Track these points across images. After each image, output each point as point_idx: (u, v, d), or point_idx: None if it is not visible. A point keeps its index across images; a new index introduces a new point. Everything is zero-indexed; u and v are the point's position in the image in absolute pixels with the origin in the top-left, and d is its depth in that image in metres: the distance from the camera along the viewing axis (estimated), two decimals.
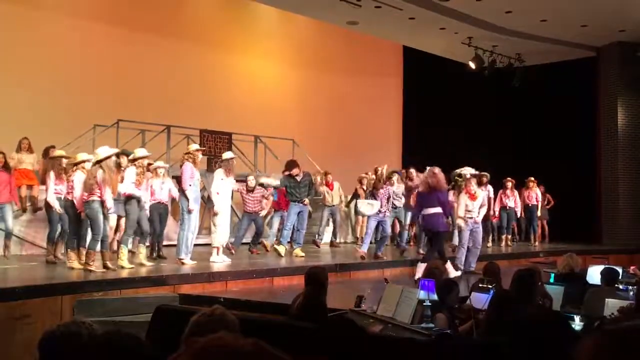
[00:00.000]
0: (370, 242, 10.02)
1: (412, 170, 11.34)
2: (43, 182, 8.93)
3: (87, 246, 7.32)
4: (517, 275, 4.54)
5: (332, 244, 12.03)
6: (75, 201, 7.56)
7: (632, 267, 7.28)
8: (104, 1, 13.47)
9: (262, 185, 9.97)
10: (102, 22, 13.08)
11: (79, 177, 7.55)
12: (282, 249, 9.46)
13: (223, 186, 8.48)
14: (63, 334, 2.22)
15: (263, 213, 10.03)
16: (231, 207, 9.22)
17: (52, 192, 8.01)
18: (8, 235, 8.16)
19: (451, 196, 11.87)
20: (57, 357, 2.20)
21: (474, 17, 12.31)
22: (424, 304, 4.40)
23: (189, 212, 8.10)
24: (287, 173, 9.72)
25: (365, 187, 11.69)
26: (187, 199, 8.08)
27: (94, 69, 12.68)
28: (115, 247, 8.50)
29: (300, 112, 15.89)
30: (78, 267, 7.36)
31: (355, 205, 12.30)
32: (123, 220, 8.21)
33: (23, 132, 9.74)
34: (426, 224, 8.46)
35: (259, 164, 13.00)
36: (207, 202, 10.31)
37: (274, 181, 10.01)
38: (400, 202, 10.53)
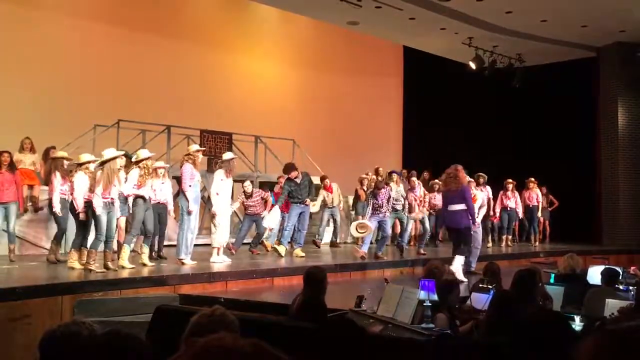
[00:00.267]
0: (371, 242, 10.03)
1: (414, 179, 11.40)
2: (45, 182, 8.93)
3: (89, 245, 7.36)
4: (518, 275, 4.54)
5: (332, 244, 12.04)
6: (74, 201, 7.59)
7: (632, 268, 7.28)
8: (105, 1, 13.48)
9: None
10: (103, 22, 13.08)
11: (79, 178, 7.57)
12: (282, 249, 9.46)
13: (223, 187, 8.48)
14: (63, 334, 2.23)
15: (265, 214, 10.03)
16: (231, 207, 9.22)
17: (58, 193, 8.01)
18: (12, 238, 8.15)
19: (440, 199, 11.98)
20: (58, 357, 2.20)
21: (474, 18, 12.31)
22: (424, 304, 4.40)
23: (189, 213, 8.10)
24: (286, 177, 9.74)
25: (365, 188, 11.70)
26: (187, 200, 8.09)
27: (94, 69, 12.69)
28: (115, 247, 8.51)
29: (301, 112, 15.89)
30: (78, 267, 7.37)
31: (356, 205, 12.33)
32: (122, 220, 8.22)
33: (24, 132, 9.74)
34: (449, 221, 8.54)
35: (259, 164, 13.00)
36: (207, 203, 10.31)
37: (276, 216, 9.72)
38: (400, 206, 10.55)
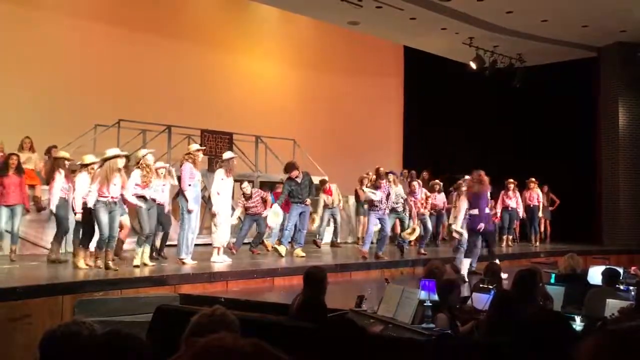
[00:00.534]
0: (371, 242, 10.02)
1: (415, 183, 11.37)
2: (46, 181, 8.94)
3: (94, 246, 7.40)
4: (518, 275, 4.54)
5: (333, 244, 12.03)
6: (73, 202, 7.60)
7: (632, 268, 7.29)
8: (105, 1, 13.48)
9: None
10: (103, 22, 13.09)
11: (82, 179, 7.58)
12: (282, 249, 9.46)
13: (223, 186, 8.48)
14: (64, 334, 2.22)
15: (265, 213, 10.03)
16: (232, 207, 9.22)
17: (58, 192, 8.01)
18: (15, 238, 8.17)
19: (443, 198, 12.01)
20: (58, 357, 2.20)
21: (475, 17, 12.31)
22: (425, 304, 4.40)
23: (189, 212, 8.10)
24: (287, 176, 9.73)
25: (365, 188, 11.70)
26: (187, 200, 8.09)
27: (95, 69, 12.69)
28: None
29: (301, 112, 15.89)
30: (84, 267, 7.41)
31: (357, 205, 12.34)
32: (125, 219, 8.23)
33: (24, 131, 9.76)
34: (472, 224, 8.78)
35: (259, 164, 13.00)
36: (207, 202, 10.31)
37: (278, 216, 9.79)
38: (401, 207, 10.57)
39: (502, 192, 12.30)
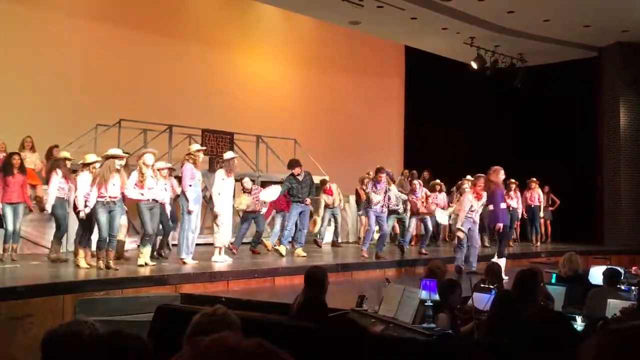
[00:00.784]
0: (371, 241, 9.99)
1: (416, 182, 11.33)
2: (46, 181, 8.95)
3: (95, 246, 7.42)
4: (519, 275, 4.54)
5: (333, 243, 12.03)
6: (76, 200, 7.61)
7: (634, 268, 7.28)
8: (106, 1, 13.48)
9: (264, 202, 10.00)
10: (105, 22, 13.09)
11: (84, 178, 7.59)
12: (283, 249, 9.47)
13: (224, 186, 8.48)
14: (65, 333, 2.23)
15: (263, 211, 10.03)
16: (233, 206, 9.22)
17: (54, 192, 8.03)
18: (16, 238, 8.19)
19: (444, 198, 12.01)
20: (60, 357, 2.20)
21: (476, 17, 12.30)
22: (426, 304, 4.40)
23: (189, 212, 8.11)
24: (289, 173, 9.74)
25: (365, 187, 11.70)
26: (187, 200, 8.10)
27: (96, 69, 12.69)
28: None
29: (302, 112, 15.89)
30: (84, 266, 7.43)
31: (358, 205, 12.33)
32: (123, 218, 8.23)
33: (26, 131, 9.77)
34: (489, 220, 9.08)
35: (260, 164, 13.00)
36: (208, 202, 10.32)
37: (274, 194, 9.95)
38: (402, 207, 10.56)
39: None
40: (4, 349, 5.35)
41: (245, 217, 10.16)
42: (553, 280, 6.36)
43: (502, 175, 9.13)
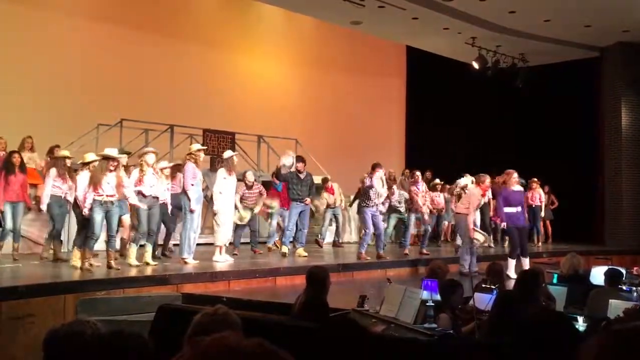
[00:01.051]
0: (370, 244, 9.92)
1: (418, 173, 11.22)
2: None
3: (84, 245, 7.37)
4: (521, 275, 4.53)
5: (335, 243, 12.03)
6: (77, 199, 7.62)
7: (635, 268, 7.28)
8: (107, 1, 13.49)
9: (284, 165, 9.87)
10: (106, 21, 13.10)
11: (83, 177, 7.59)
12: (285, 249, 9.46)
13: (226, 185, 8.49)
14: (67, 333, 2.23)
15: (257, 210, 10.04)
16: (235, 205, 9.22)
17: (49, 189, 8.01)
18: (17, 237, 8.20)
19: (442, 198, 12.00)
20: (61, 356, 2.20)
21: (477, 17, 12.30)
22: (427, 304, 4.39)
23: (191, 212, 8.12)
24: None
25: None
26: (189, 199, 8.10)
27: (97, 69, 12.70)
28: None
29: (303, 112, 15.89)
30: (77, 266, 7.40)
31: (359, 205, 12.32)
32: (126, 218, 8.23)
33: (26, 131, 9.77)
34: (507, 221, 9.12)
35: (261, 163, 13.00)
36: (209, 202, 10.33)
37: (288, 159, 9.83)
38: (403, 207, 10.52)
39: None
40: (5, 348, 5.36)
41: None
42: (554, 281, 6.36)
43: (513, 178, 9.22)
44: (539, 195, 13.01)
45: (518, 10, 11.84)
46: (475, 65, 13.90)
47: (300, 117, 15.60)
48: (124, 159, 8.50)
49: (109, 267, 7.25)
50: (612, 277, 5.73)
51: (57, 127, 11.16)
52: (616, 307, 4.48)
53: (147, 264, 7.70)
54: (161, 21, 13.91)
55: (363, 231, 10.08)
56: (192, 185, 8.17)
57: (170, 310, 4.46)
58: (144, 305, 5.99)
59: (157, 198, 7.93)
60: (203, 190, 9.23)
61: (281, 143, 13.25)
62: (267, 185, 11.52)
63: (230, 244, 9.38)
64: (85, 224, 7.71)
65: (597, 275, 6.44)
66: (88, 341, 2.16)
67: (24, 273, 7.16)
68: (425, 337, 3.98)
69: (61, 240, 8.37)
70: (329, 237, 11.96)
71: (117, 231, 7.99)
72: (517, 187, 9.30)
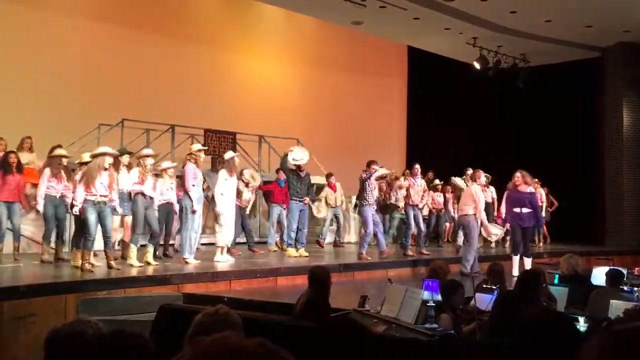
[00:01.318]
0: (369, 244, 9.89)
1: (417, 167, 11.12)
2: None
3: (81, 246, 7.36)
4: (522, 276, 4.53)
5: (335, 244, 12.04)
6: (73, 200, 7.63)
7: (636, 269, 7.28)
8: (108, 1, 13.49)
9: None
10: (107, 21, 13.10)
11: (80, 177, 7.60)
12: (292, 251, 9.44)
13: (227, 186, 8.50)
14: (68, 333, 2.23)
15: (249, 208, 10.14)
16: (236, 206, 9.22)
17: (43, 189, 7.95)
18: (17, 236, 8.20)
19: (442, 198, 11.99)
20: (62, 356, 2.20)
21: (478, 17, 12.29)
22: (428, 304, 4.39)
23: (193, 212, 8.13)
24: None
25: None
26: (191, 199, 8.12)
27: (98, 69, 12.70)
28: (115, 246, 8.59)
29: (304, 112, 15.89)
30: (77, 266, 7.40)
31: (358, 204, 12.32)
32: (129, 219, 8.24)
33: (26, 131, 9.77)
34: (510, 221, 9.32)
35: (263, 163, 13.00)
36: (210, 202, 10.34)
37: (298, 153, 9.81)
38: (401, 203, 10.49)
39: (506, 192, 12.25)
40: (7, 348, 5.36)
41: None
42: (555, 281, 6.35)
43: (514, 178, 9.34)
44: (539, 196, 12.99)
45: (519, 10, 11.84)
46: (477, 65, 13.89)
47: (301, 117, 15.60)
48: (125, 159, 8.52)
49: (109, 267, 7.24)
50: (613, 277, 5.72)
51: (58, 127, 11.16)
52: (617, 307, 4.47)
53: (148, 263, 7.72)
54: (162, 21, 13.92)
55: (363, 231, 10.06)
56: (193, 185, 8.18)
57: (171, 310, 4.46)
58: (145, 305, 5.99)
59: (153, 199, 7.98)
60: (204, 190, 9.25)
61: (282, 143, 13.25)
62: (269, 183, 11.54)
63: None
64: (81, 225, 7.68)
65: (598, 275, 6.44)
66: (89, 341, 2.16)
67: (25, 273, 7.17)
68: (426, 338, 3.98)
69: (63, 240, 8.34)
70: (329, 237, 11.96)
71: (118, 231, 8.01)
72: (528, 189, 9.27)
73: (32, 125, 10.45)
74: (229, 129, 12.33)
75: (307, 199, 9.70)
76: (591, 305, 5.06)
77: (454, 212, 12.24)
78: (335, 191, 11.71)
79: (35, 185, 9.09)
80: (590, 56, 14.54)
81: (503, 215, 12.19)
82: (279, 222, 10.79)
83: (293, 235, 9.57)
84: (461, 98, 15.62)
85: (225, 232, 8.48)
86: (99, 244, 7.61)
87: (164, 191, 8.45)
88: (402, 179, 11.40)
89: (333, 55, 16.59)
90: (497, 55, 14.12)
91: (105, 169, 7.35)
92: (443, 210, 12.44)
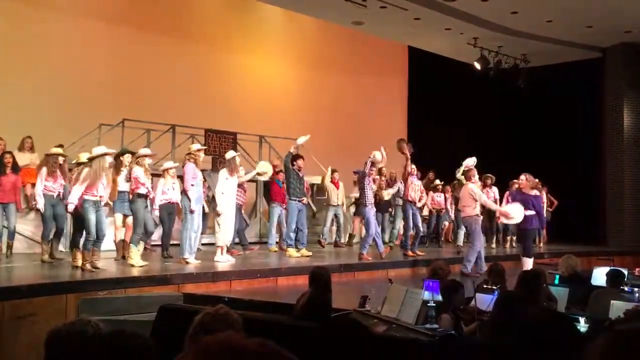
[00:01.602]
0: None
1: (414, 166, 11.08)
2: None
3: (81, 246, 7.33)
4: (522, 276, 4.53)
5: (336, 244, 12.03)
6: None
7: (637, 269, 7.27)
8: (108, 1, 13.49)
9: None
10: (107, 21, 13.11)
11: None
12: (293, 252, 9.43)
13: (228, 186, 8.50)
14: (69, 332, 2.23)
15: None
16: (236, 206, 9.22)
17: (40, 188, 7.93)
18: (11, 235, 8.21)
19: (442, 198, 11.98)
20: (63, 356, 2.20)
21: (479, 18, 12.29)
22: (429, 304, 4.39)
23: (191, 212, 8.13)
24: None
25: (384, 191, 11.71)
26: (189, 199, 8.12)
27: (99, 69, 12.70)
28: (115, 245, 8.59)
29: (304, 112, 15.88)
30: (78, 266, 7.38)
31: (359, 205, 12.31)
32: (130, 220, 8.24)
33: (27, 131, 9.78)
34: (524, 224, 9.18)
35: None
36: (211, 202, 10.35)
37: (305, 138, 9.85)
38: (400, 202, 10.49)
39: (507, 192, 12.26)
40: (8, 348, 5.36)
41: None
42: (556, 282, 6.35)
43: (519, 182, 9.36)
44: (543, 198, 12.98)
45: (520, 10, 11.84)
46: (477, 65, 13.89)
47: (301, 117, 15.59)
48: (127, 159, 8.52)
49: (94, 267, 7.09)
50: (613, 278, 5.72)
51: (58, 127, 11.17)
52: (618, 308, 4.47)
53: (132, 265, 7.58)
54: (163, 21, 13.92)
55: (365, 232, 10.06)
56: (192, 185, 8.18)
57: (172, 310, 4.47)
58: (145, 305, 5.99)
59: (148, 197, 8.00)
60: (205, 190, 9.25)
61: (282, 143, 13.23)
62: (268, 183, 11.54)
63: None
64: (78, 225, 7.62)
65: (599, 276, 6.44)
66: (89, 341, 2.16)
67: (26, 273, 7.17)
68: (427, 338, 3.98)
69: (59, 239, 8.33)
70: (330, 238, 11.97)
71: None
72: (533, 191, 9.31)
73: (32, 125, 10.44)
74: (230, 129, 12.32)
75: (305, 199, 9.72)
76: (592, 306, 5.05)
77: (452, 212, 12.27)
78: (337, 188, 11.73)
79: (34, 185, 9.11)
80: (591, 56, 14.54)
81: None
82: (279, 223, 10.80)
83: (293, 235, 9.57)
84: (461, 98, 15.61)
85: (225, 232, 8.48)
86: (106, 244, 7.60)
87: (165, 191, 8.45)
88: (399, 181, 11.40)
89: (333, 55, 16.58)
90: (497, 56, 14.12)
91: (104, 169, 7.36)
92: (443, 210, 12.44)
